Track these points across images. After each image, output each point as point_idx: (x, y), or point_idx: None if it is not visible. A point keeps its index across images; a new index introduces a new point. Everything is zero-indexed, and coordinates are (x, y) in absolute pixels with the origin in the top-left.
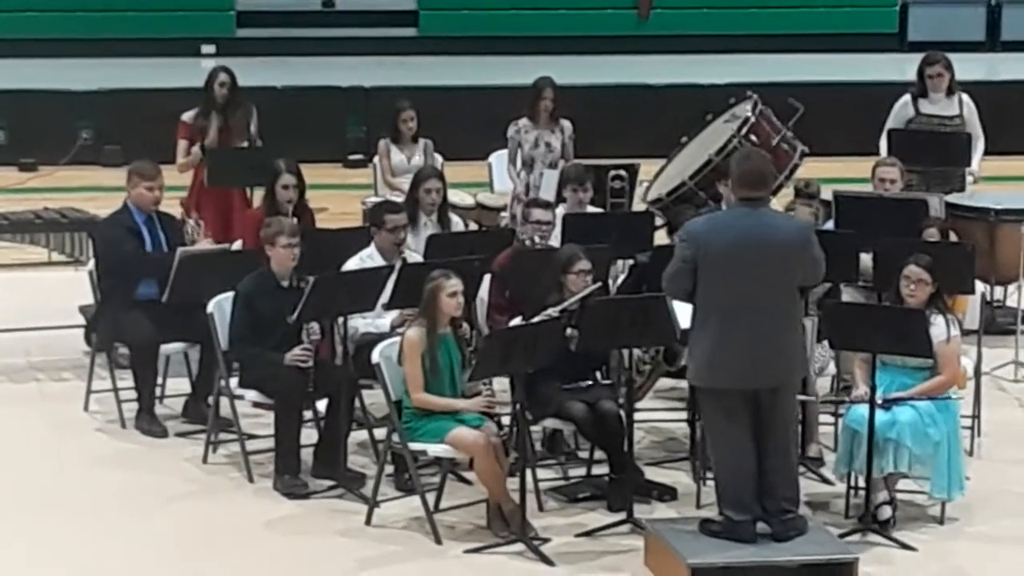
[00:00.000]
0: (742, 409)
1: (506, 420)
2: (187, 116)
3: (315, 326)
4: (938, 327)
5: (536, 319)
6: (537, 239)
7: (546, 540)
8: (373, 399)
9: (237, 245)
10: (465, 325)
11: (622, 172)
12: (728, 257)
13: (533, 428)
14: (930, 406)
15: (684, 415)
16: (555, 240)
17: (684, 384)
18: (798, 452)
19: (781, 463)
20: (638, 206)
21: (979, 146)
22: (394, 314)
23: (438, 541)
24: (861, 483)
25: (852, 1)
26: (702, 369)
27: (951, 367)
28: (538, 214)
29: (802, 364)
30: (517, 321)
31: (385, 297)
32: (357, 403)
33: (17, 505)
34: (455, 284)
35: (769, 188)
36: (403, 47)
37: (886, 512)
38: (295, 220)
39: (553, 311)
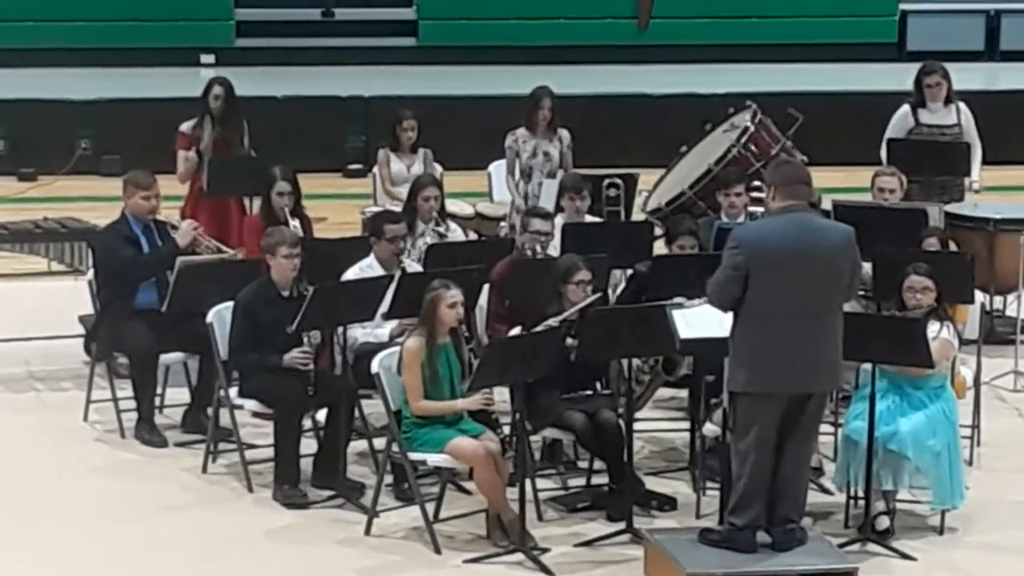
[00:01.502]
0: (777, 415)
1: (506, 429)
2: (185, 127)
3: (316, 333)
4: (931, 331)
5: (536, 330)
6: (537, 249)
7: (545, 550)
8: (372, 409)
9: (240, 254)
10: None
11: (617, 180)
12: (779, 264)
13: (533, 438)
14: (931, 416)
15: (684, 425)
16: (554, 249)
17: (684, 394)
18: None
19: (796, 472)
20: (637, 216)
21: (977, 155)
22: (393, 324)
23: (437, 551)
24: (861, 493)
25: (851, 11)
26: (760, 374)
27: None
28: (537, 224)
29: (842, 372)
30: (517, 331)
31: (384, 307)
32: (356, 413)
33: (16, 514)
34: (455, 295)
35: (810, 192)
36: (402, 57)
37: (884, 522)
38: (297, 223)
39: (553, 322)
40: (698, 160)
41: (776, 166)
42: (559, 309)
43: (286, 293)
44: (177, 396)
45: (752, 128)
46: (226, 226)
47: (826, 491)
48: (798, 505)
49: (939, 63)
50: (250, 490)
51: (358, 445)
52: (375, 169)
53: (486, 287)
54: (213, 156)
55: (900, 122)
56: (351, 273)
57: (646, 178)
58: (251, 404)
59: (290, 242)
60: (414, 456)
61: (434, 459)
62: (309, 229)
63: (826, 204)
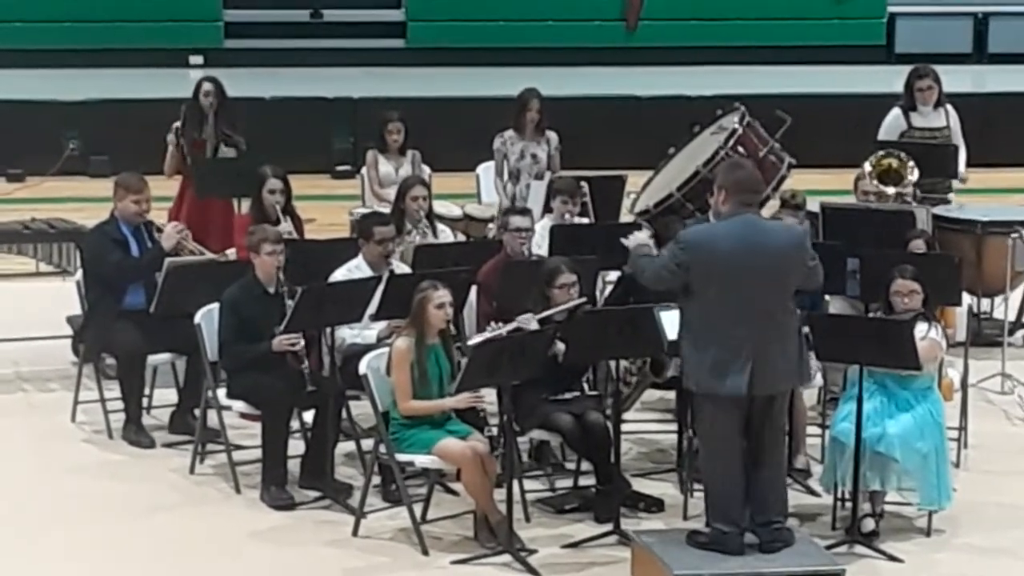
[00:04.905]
0: (738, 419)
1: (494, 430)
2: (178, 125)
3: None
4: (919, 331)
5: (511, 326)
6: (518, 247)
7: (533, 551)
8: (360, 410)
9: (231, 254)
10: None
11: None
12: (726, 265)
13: (520, 439)
14: (919, 418)
15: (671, 426)
16: (538, 247)
17: (671, 395)
18: (785, 463)
19: (774, 473)
20: (625, 217)
21: (962, 155)
22: (381, 325)
23: (425, 552)
24: (848, 495)
25: (839, 13)
26: (705, 375)
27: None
28: (517, 221)
29: (799, 372)
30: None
31: (373, 308)
32: (344, 414)
33: (2, 515)
34: (443, 295)
35: (760, 196)
36: (391, 58)
37: (869, 524)
38: (289, 221)
39: (530, 318)
40: (686, 162)
41: (728, 170)
42: (544, 310)
43: (271, 290)
44: (165, 397)
45: (740, 130)
46: (208, 226)
47: (813, 493)
48: (780, 504)
49: (930, 67)
50: (238, 491)
51: (346, 446)
52: (363, 170)
53: (474, 288)
54: (198, 158)
55: (892, 125)
56: (339, 274)
57: (634, 180)
58: (239, 405)
59: (273, 239)
60: (402, 457)
61: (422, 460)
62: (300, 227)
63: (814, 206)
